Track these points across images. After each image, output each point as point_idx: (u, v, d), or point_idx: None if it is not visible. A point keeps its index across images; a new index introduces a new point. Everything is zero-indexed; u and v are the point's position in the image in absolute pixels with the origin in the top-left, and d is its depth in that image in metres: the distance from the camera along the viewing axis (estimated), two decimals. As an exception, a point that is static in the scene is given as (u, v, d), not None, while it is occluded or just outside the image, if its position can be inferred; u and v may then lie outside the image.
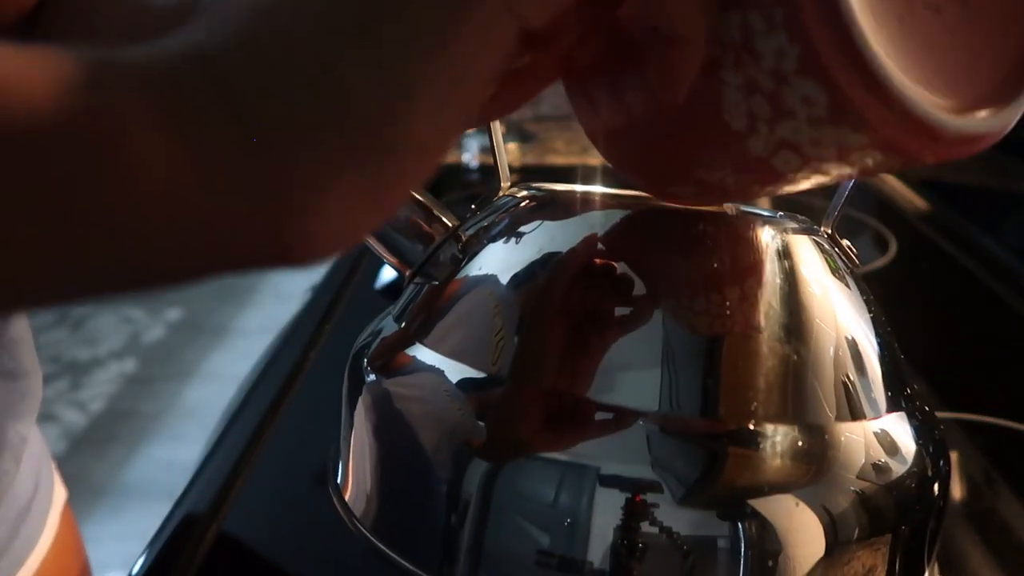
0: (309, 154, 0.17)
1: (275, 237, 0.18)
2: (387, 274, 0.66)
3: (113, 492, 1.80)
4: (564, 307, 0.29)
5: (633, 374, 0.28)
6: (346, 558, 0.43)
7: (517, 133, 1.13)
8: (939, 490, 0.31)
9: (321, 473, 0.48)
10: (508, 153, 1.03)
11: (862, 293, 0.32)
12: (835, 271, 0.31)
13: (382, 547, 0.30)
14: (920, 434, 0.31)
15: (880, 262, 0.80)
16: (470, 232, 0.32)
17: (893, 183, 0.99)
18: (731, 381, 0.27)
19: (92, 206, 0.16)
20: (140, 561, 0.43)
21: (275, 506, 0.47)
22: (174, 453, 1.93)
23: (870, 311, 0.32)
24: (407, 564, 0.29)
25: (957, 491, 0.48)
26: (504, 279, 0.30)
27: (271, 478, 0.49)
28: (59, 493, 0.52)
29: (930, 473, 0.30)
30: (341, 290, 0.71)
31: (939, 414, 0.55)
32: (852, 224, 0.93)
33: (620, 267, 0.29)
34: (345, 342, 0.68)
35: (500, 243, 0.32)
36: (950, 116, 0.20)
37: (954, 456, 0.52)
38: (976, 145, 0.21)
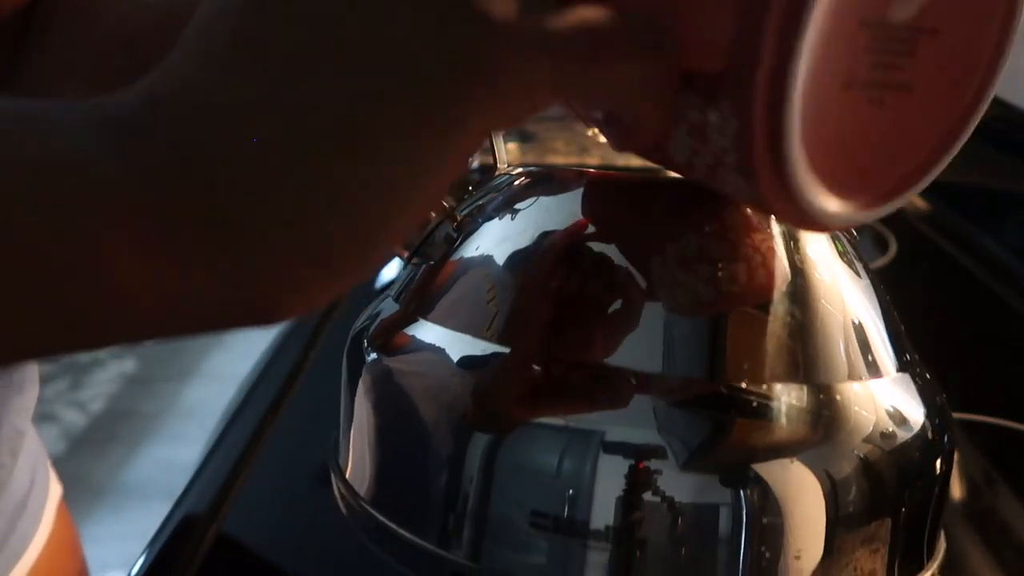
0: (289, 265, 0.19)
1: (247, 318, 0.20)
2: (387, 273, 0.66)
3: (113, 492, 1.80)
4: (560, 278, 0.29)
5: (636, 336, 0.27)
6: (346, 558, 0.43)
7: (517, 133, 1.13)
8: (944, 458, 0.31)
9: (321, 473, 0.48)
10: (508, 153, 1.03)
11: (860, 261, 0.32)
12: (835, 243, 0.31)
13: (385, 521, 0.30)
14: (924, 397, 0.31)
15: (880, 262, 0.80)
16: (465, 212, 0.32)
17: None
18: (735, 341, 0.27)
19: (63, 306, 0.17)
20: (140, 561, 0.43)
21: (275, 506, 0.47)
22: (174, 453, 1.93)
23: (869, 278, 0.32)
24: (411, 536, 0.29)
25: (957, 491, 0.48)
26: (500, 254, 0.30)
27: (271, 478, 0.49)
28: (55, 489, 0.52)
29: (931, 436, 0.30)
30: (341, 290, 0.71)
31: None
32: (852, 224, 0.93)
33: (617, 240, 0.29)
34: (345, 342, 0.68)
35: (495, 220, 0.31)
36: (849, 214, 0.23)
37: (954, 456, 0.52)
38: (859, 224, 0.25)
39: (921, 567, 0.31)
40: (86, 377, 2.23)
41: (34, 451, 0.49)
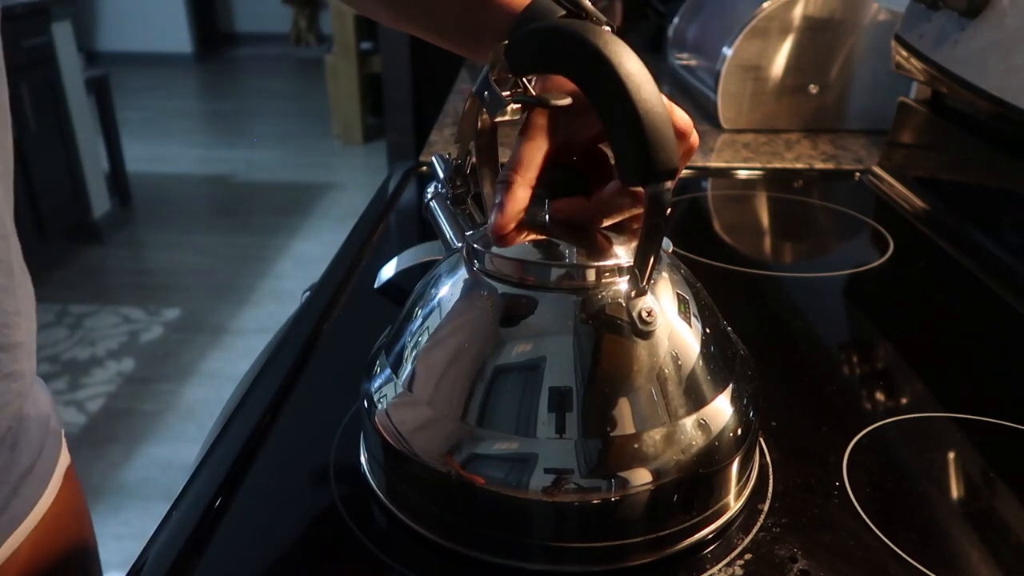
0: None
1: None
2: (386, 273, 0.66)
3: (112, 492, 1.79)
4: None
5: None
6: (346, 558, 0.43)
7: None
8: (742, 433, 0.43)
9: (321, 473, 0.48)
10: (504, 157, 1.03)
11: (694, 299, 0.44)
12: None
13: (422, 401, 0.42)
14: (737, 393, 0.43)
15: (878, 261, 0.80)
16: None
17: (892, 183, 0.99)
18: (619, 405, 0.39)
19: None
20: (139, 561, 0.43)
21: (275, 506, 0.47)
22: (173, 453, 1.93)
23: (693, 302, 0.44)
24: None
25: (956, 491, 0.48)
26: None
27: (271, 479, 0.49)
28: (64, 458, 0.55)
29: (740, 432, 0.42)
30: (340, 290, 0.71)
31: (937, 414, 0.55)
32: (851, 224, 0.93)
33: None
34: (343, 342, 0.68)
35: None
36: None
37: (952, 456, 0.52)
38: None
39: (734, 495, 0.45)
40: (85, 377, 2.23)
41: (44, 420, 0.52)
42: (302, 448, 0.51)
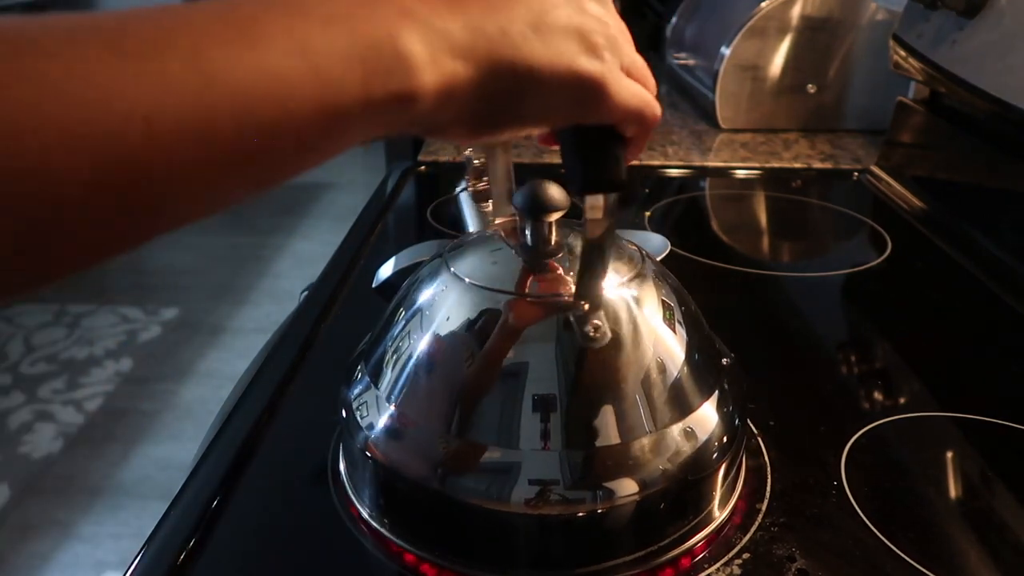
0: None
1: None
2: (384, 272, 0.66)
3: (110, 491, 1.79)
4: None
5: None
6: (346, 558, 0.42)
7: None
8: (728, 440, 0.42)
9: (320, 473, 0.48)
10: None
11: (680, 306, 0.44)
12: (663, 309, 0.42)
13: (402, 411, 0.41)
14: (722, 399, 0.43)
15: (876, 261, 0.80)
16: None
17: (890, 182, 0.99)
18: (600, 415, 0.39)
19: None
20: (137, 560, 0.43)
21: (274, 506, 0.47)
22: (171, 452, 1.93)
23: (678, 309, 0.43)
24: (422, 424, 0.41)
25: (954, 491, 0.49)
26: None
27: (269, 478, 0.49)
28: None
29: (726, 439, 0.42)
30: (338, 289, 0.71)
31: (936, 414, 0.55)
32: (849, 223, 0.93)
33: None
34: (342, 341, 0.68)
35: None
36: None
37: (950, 455, 0.52)
38: None
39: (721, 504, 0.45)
40: (83, 376, 2.23)
41: None
42: (300, 447, 0.51)
